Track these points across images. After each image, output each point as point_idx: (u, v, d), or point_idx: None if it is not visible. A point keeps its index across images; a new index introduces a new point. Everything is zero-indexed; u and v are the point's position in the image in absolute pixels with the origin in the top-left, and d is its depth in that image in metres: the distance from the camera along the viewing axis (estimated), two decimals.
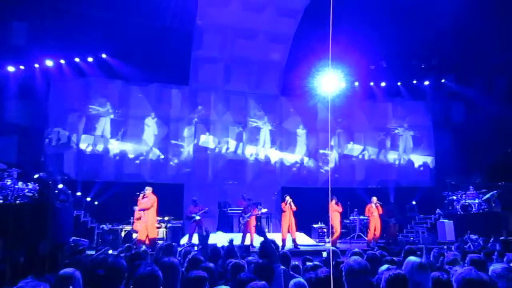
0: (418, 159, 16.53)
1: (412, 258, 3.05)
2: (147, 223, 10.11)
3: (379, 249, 5.28)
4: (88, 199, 12.76)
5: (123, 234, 11.47)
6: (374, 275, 3.70)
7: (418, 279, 2.83)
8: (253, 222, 11.37)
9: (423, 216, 13.98)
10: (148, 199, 10.14)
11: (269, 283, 3.04)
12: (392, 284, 2.61)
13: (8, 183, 9.45)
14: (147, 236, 10.09)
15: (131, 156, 14.26)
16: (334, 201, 11.89)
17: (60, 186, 10.38)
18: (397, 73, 15.92)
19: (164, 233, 11.89)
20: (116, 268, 2.93)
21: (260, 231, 3.94)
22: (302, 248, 11.07)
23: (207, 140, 15.16)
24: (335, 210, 11.87)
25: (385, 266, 3.79)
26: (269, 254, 3.54)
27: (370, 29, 13.25)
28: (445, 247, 6.45)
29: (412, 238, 12.88)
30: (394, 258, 4.34)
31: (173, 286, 3.09)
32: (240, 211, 12.22)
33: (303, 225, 12.64)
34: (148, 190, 10.24)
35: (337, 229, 11.97)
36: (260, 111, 15.92)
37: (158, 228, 11.59)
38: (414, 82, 16.21)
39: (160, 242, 9.90)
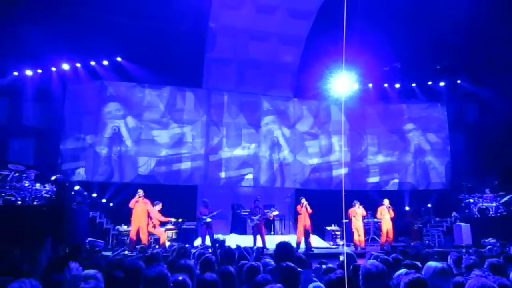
0: (433, 161, 16.29)
1: (433, 263, 3.01)
2: (140, 227, 10.25)
3: (398, 253, 5.21)
4: (104, 200, 12.92)
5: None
6: (390, 279, 3.67)
7: (439, 284, 2.78)
8: (262, 224, 11.35)
9: (439, 219, 13.77)
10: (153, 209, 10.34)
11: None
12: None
13: (26, 185, 9.67)
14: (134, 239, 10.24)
15: (145, 158, 14.39)
16: (357, 205, 11.92)
17: (77, 187, 10.54)
18: (411, 74, 15.74)
19: (173, 234, 11.86)
20: (134, 270, 2.96)
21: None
22: (316, 251, 11.01)
23: (220, 142, 15.21)
24: (359, 214, 11.91)
25: (402, 270, 3.75)
26: (296, 259, 3.51)
27: (384, 29, 13.14)
28: (463, 250, 6.35)
29: (427, 242, 12.69)
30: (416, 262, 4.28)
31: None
32: None
33: (316, 228, 12.58)
34: (140, 192, 10.42)
35: (361, 233, 11.95)
36: (273, 113, 15.91)
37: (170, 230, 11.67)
38: (429, 83, 16.01)
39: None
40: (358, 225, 11.90)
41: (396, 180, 16.21)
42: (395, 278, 3.68)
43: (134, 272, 2.95)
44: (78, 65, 13.53)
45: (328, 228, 13.54)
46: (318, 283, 3.22)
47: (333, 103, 16.14)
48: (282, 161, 15.74)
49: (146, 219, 10.47)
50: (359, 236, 11.86)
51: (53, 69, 13.20)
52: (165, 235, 10.79)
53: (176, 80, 14.73)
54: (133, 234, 10.36)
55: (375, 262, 3.30)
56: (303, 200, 11.52)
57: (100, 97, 14.28)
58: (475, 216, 12.51)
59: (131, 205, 10.37)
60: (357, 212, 11.96)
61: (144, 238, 10.33)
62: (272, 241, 11.12)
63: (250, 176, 15.30)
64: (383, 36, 13.22)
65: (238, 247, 5.13)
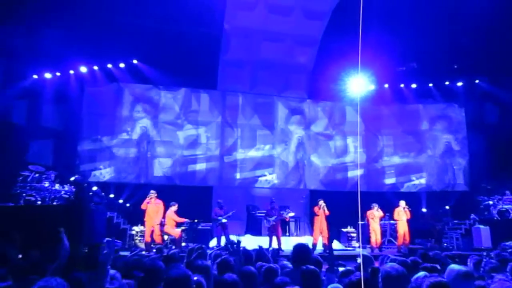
0: (451, 163, 16.00)
1: (456, 266, 2.96)
2: (153, 227, 10.35)
3: (418, 256, 5.14)
4: (121, 201, 13.08)
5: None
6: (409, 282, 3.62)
7: (462, 287, 2.74)
8: (279, 225, 11.35)
9: (457, 221, 13.52)
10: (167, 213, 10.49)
11: None
12: None
13: (46, 185, 9.86)
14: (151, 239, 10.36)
15: (161, 159, 14.53)
16: (375, 208, 11.90)
17: (94, 188, 10.70)
18: (428, 74, 15.50)
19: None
20: (154, 270, 2.99)
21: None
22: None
23: (235, 143, 15.26)
24: (378, 217, 11.84)
25: (421, 273, 3.70)
26: (315, 261, 3.50)
27: (400, 29, 13.00)
28: (484, 253, 6.23)
29: (445, 244, 12.48)
30: (436, 266, 4.22)
31: None
32: None
33: (332, 229, 12.49)
34: (152, 194, 10.55)
35: (379, 235, 11.92)
36: (288, 114, 15.89)
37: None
38: (447, 83, 15.74)
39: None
40: (376, 227, 11.87)
41: (413, 182, 15.99)
42: (413, 281, 3.63)
43: (154, 273, 2.97)
44: (95, 67, 13.75)
45: (344, 230, 13.44)
46: (337, 285, 3.20)
47: (348, 104, 16.03)
48: (297, 162, 15.69)
49: (159, 219, 10.59)
50: (376, 238, 11.78)
51: (71, 72, 13.43)
52: (180, 234, 10.88)
53: (191, 82, 14.84)
54: (148, 235, 10.49)
55: (395, 264, 3.27)
56: (321, 202, 11.51)
57: (117, 99, 14.48)
58: (495, 218, 12.26)
59: (143, 206, 10.52)
60: (375, 214, 11.95)
61: (157, 238, 10.45)
62: (287, 243, 11.11)
63: (264, 178, 15.30)
64: (399, 36, 13.08)
65: (260, 248, 5.12)
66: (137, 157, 14.33)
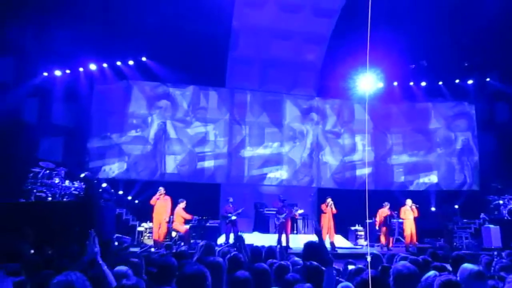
0: (461, 162, 15.86)
1: (469, 266, 2.95)
2: (161, 224, 10.42)
3: (428, 255, 5.12)
4: (129, 198, 13.18)
5: None
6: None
7: (475, 287, 2.72)
8: (288, 223, 11.39)
9: (467, 220, 13.41)
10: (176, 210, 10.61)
11: (318, 286, 3.02)
12: None
13: (56, 182, 9.97)
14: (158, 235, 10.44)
15: (169, 156, 14.59)
16: (387, 207, 11.93)
17: (104, 185, 10.79)
18: (438, 72, 15.34)
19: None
20: (167, 266, 3.00)
21: (317, 232, 3.92)
22: (339, 251, 10.93)
23: (243, 141, 15.27)
24: (387, 214, 11.92)
25: (431, 272, 3.69)
26: (321, 256, 3.49)
27: (409, 26, 12.88)
28: (495, 253, 6.18)
29: (455, 244, 12.39)
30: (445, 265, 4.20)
31: (219, 285, 3.12)
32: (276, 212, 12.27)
33: (340, 227, 12.48)
34: (161, 190, 10.65)
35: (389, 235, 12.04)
36: (296, 112, 15.85)
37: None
38: (457, 81, 15.56)
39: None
40: (387, 226, 11.98)
41: (422, 180, 15.88)
42: (423, 281, 3.62)
43: (167, 269, 2.99)
44: (105, 65, 13.83)
45: (352, 228, 13.42)
46: (347, 283, 3.20)
47: (356, 101, 15.95)
48: (305, 160, 15.67)
49: (167, 216, 10.67)
50: (385, 237, 11.82)
51: (81, 69, 13.53)
52: (188, 231, 10.95)
53: (200, 79, 14.86)
54: (156, 232, 10.57)
55: (406, 263, 3.26)
56: (329, 200, 11.54)
57: (126, 96, 14.55)
58: (505, 218, 12.15)
59: (152, 202, 10.59)
60: (387, 213, 12.06)
61: (162, 234, 10.51)
62: (295, 240, 11.13)
63: (272, 175, 15.30)
64: (408, 33, 12.96)
65: (280, 245, 5.11)
66: (145, 154, 14.41)
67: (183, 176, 14.49)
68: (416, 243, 11.82)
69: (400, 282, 3.03)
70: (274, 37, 14.52)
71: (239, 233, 5.78)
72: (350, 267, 4.91)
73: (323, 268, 3.18)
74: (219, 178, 14.92)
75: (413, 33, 13.00)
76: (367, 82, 13.76)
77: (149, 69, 14.26)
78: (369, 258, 4.71)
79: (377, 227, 12.50)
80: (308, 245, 3.85)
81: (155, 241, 10.58)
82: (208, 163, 14.90)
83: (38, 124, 12.69)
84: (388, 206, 12.13)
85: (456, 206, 14.20)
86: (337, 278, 3.83)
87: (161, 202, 10.68)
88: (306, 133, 15.84)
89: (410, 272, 3.01)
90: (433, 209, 14.84)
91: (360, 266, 4.19)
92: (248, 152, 15.25)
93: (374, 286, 2.97)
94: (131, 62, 14.12)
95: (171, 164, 14.60)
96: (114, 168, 14.01)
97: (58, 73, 13.01)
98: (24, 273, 3.61)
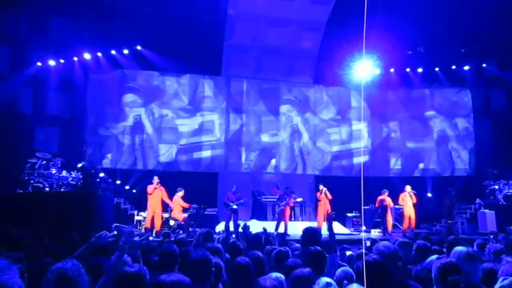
0: (457, 148, 15.93)
1: (459, 248, 3.00)
2: (155, 213, 10.44)
3: (422, 239, 5.18)
4: (127, 187, 13.18)
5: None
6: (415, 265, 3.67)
7: (467, 269, 2.77)
8: (288, 210, 11.46)
9: (463, 206, 13.52)
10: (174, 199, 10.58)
11: (320, 271, 3.06)
12: (444, 272, 2.56)
13: (53, 172, 9.95)
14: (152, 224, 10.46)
15: (166, 145, 14.57)
16: (386, 194, 12.01)
17: (101, 175, 10.78)
18: (435, 58, 15.31)
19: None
20: (169, 253, 3.03)
21: (329, 219, 3.98)
22: (337, 237, 10.99)
23: (240, 129, 15.25)
24: (388, 203, 12.11)
25: (433, 256, 3.74)
26: (329, 244, 3.55)
27: (406, 12, 12.80)
28: (491, 237, 6.26)
29: (446, 229, 12.52)
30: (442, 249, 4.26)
31: (220, 271, 3.16)
32: (273, 200, 12.34)
33: (337, 214, 12.57)
34: (156, 179, 10.63)
35: (390, 221, 12.13)
36: (293, 100, 15.82)
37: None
38: (453, 67, 15.54)
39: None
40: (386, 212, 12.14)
41: (420, 167, 15.96)
42: (424, 264, 3.67)
43: (169, 256, 3.02)
44: (99, 54, 13.68)
45: (349, 214, 13.53)
46: (347, 268, 3.24)
47: (353, 89, 15.92)
48: (302, 148, 15.70)
49: (161, 205, 10.70)
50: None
51: (75, 59, 13.38)
52: (187, 219, 10.98)
53: (196, 68, 14.74)
54: (148, 220, 10.60)
55: (386, 243, 3.34)
56: (322, 187, 11.61)
57: (121, 86, 14.46)
58: (500, 203, 12.27)
59: (149, 191, 10.57)
60: (386, 200, 12.19)
61: (158, 224, 10.54)
62: (293, 227, 11.21)
63: (270, 163, 15.33)
64: (405, 20, 12.88)
65: (265, 230, 5.17)
66: (142, 143, 14.37)
67: (180, 165, 14.50)
68: (414, 228, 11.93)
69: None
70: (270, 25, 14.41)
71: (245, 223, 5.83)
72: (348, 253, 4.98)
73: (325, 254, 3.24)
74: (217, 166, 14.93)
75: (410, 19, 12.93)
76: (364, 69, 13.72)
77: (144, 58, 14.13)
78: (368, 243, 4.77)
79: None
80: (307, 231, 3.88)
81: (146, 228, 10.60)
82: (205, 152, 14.90)
83: (34, 115, 12.61)
84: (387, 193, 12.20)
85: (453, 192, 14.26)
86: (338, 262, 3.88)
87: (158, 192, 10.70)
88: (303, 121, 15.83)
89: (390, 252, 3.07)
90: (429, 195, 14.95)
91: (359, 251, 4.24)
92: (245, 140, 15.24)
93: (371, 270, 3.01)
94: (126, 51, 13.98)
95: (168, 154, 14.58)
96: (111, 158, 13.98)
97: (52, 62, 12.86)
98: (24, 261, 3.61)
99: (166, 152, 14.57)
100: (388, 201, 12.19)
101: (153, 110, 14.62)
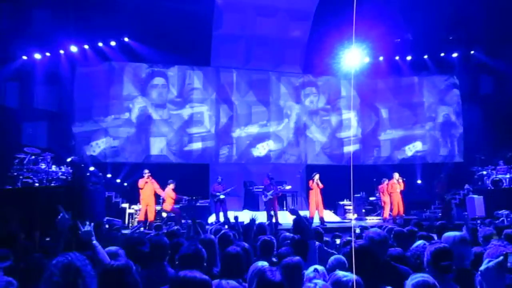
0: (446, 134, 16.11)
1: (452, 233, 3.05)
2: (148, 206, 10.45)
3: (413, 225, 5.26)
4: (118, 180, 13.11)
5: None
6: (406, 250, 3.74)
7: (460, 252, 2.82)
8: (275, 200, 11.50)
9: (452, 191, 13.73)
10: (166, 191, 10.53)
11: (304, 258, 3.10)
12: (438, 256, 2.61)
13: (43, 167, 9.85)
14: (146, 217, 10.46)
15: (156, 138, 14.49)
16: (386, 181, 12.19)
17: (91, 168, 10.71)
18: (423, 46, 15.36)
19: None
20: (159, 245, 3.04)
21: (293, 211, 4.04)
22: (328, 225, 11.14)
23: (231, 120, 15.22)
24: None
25: (420, 242, 3.80)
26: (303, 231, 3.61)
27: (394, 0, 12.81)
28: (478, 221, 6.37)
29: (440, 214, 12.72)
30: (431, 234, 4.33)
31: (213, 261, 3.19)
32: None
33: (328, 203, 12.70)
34: (147, 172, 10.59)
35: (387, 209, 12.36)
36: (283, 90, 15.80)
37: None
38: (442, 54, 15.62)
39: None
40: (386, 200, 12.30)
41: (408, 154, 16.13)
42: (412, 249, 3.73)
43: (159, 248, 3.03)
44: (86, 46, 13.47)
45: (340, 203, 13.66)
46: (339, 256, 3.28)
47: (343, 77, 15.95)
48: (292, 137, 15.73)
49: (153, 198, 10.69)
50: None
51: (61, 51, 13.16)
52: (179, 211, 11.00)
53: (184, 59, 14.60)
54: (142, 214, 10.58)
55: (377, 229, 3.41)
56: (316, 175, 11.67)
57: (109, 79, 14.28)
58: (488, 188, 12.47)
59: (141, 186, 10.52)
60: (385, 188, 12.37)
61: (151, 216, 10.54)
62: (284, 217, 11.28)
63: (261, 153, 15.36)
64: (393, 7, 12.89)
65: (253, 220, 5.19)
66: (132, 136, 14.27)
67: (170, 158, 14.45)
68: (403, 215, 12.10)
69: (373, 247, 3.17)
70: (258, 14, 14.31)
71: (234, 215, 5.88)
72: (338, 240, 5.04)
73: (306, 241, 3.31)
74: (208, 158, 14.92)
75: (398, 6, 12.93)
76: (353, 57, 13.74)
77: (131, 49, 13.94)
78: (358, 230, 4.84)
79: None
80: (297, 221, 3.91)
81: (139, 221, 10.60)
82: (196, 144, 14.85)
83: (20, 109, 12.42)
84: (386, 181, 12.36)
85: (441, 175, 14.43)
86: (326, 249, 3.93)
87: (149, 185, 10.68)
88: (293, 110, 15.84)
89: (380, 238, 3.16)
90: (419, 181, 15.14)
91: (348, 238, 4.29)
92: (236, 131, 15.22)
93: (360, 255, 3.06)
94: (113, 43, 13.78)
95: (158, 146, 14.51)
96: (100, 151, 13.87)
97: (38, 56, 12.63)
98: (12, 257, 3.59)
99: (156, 145, 14.49)
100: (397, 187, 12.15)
101: (141, 102, 14.48)
